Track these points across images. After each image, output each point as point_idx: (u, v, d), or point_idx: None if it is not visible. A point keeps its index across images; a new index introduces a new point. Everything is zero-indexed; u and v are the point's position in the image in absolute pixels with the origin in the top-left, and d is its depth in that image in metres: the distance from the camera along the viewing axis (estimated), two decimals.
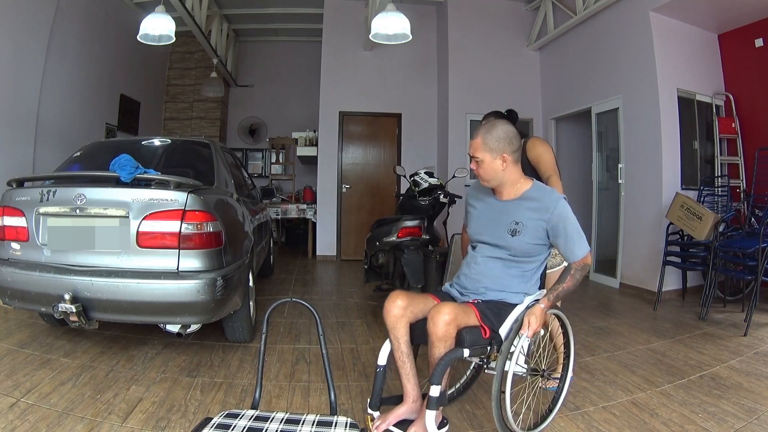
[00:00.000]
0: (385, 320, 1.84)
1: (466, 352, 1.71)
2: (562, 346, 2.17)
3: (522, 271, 1.90)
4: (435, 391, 1.63)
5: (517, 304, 1.88)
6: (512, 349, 1.78)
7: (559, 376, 2.11)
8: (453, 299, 1.93)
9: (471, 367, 2.27)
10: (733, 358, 2.91)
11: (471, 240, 2.04)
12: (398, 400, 1.88)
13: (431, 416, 1.65)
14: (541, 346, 1.98)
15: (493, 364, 1.79)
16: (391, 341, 1.84)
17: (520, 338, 1.78)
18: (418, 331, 1.84)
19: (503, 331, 1.81)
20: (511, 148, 1.84)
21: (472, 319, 1.75)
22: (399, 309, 1.81)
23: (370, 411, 1.83)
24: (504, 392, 1.73)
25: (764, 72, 4.62)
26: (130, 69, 6.95)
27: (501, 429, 1.75)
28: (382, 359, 1.86)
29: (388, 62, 6.96)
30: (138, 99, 7.26)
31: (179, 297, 2.41)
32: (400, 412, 1.81)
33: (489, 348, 1.78)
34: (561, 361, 2.19)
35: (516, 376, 1.79)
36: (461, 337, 1.72)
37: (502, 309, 1.85)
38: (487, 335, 1.76)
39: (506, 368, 1.75)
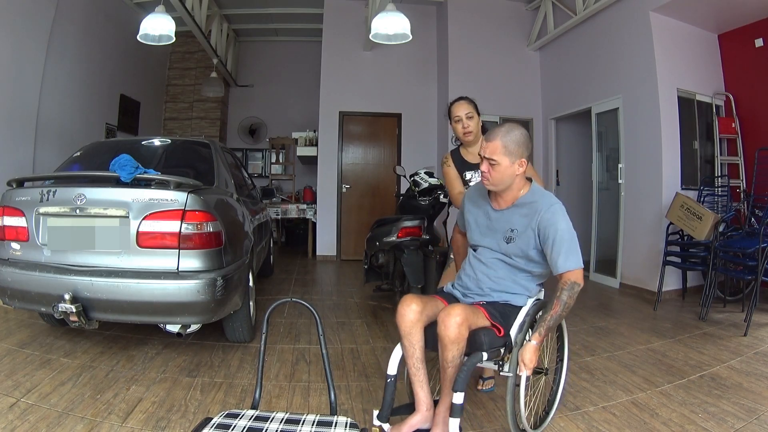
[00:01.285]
0: (399, 326, 1.77)
1: (485, 356, 1.69)
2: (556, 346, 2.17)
3: (525, 275, 1.89)
4: (459, 398, 1.61)
5: (521, 306, 1.88)
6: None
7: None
8: (456, 300, 1.91)
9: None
10: (733, 358, 2.91)
11: (471, 242, 2.00)
12: (407, 409, 1.83)
13: (455, 424, 1.62)
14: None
15: (506, 367, 1.78)
16: (404, 347, 1.77)
17: (520, 375, 1.72)
18: (429, 336, 1.78)
19: (513, 332, 1.80)
20: (527, 152, 1.82)
21: (481, 319, 1.74)
22: (415, 314, 1.75)
23: (378, 423, 1.74)
24: (519, 393, 1.73)
25: (764, 72, 4.61)
26: (130, 69, 6.94)
27: (513, 429, 1.75)
28: (392, 368, 1.77)
29: (388, 62, 6.96)
30: (138, 99, 7.26)
31: (179, 297, 2.41)
32: (414, 422, 1.75)
33: (503, 350, 1.77)
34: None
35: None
36: (479, 339, 1.70)
37: (508, 310, 1.84)
38: (502, 334, 1.75)
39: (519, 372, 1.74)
